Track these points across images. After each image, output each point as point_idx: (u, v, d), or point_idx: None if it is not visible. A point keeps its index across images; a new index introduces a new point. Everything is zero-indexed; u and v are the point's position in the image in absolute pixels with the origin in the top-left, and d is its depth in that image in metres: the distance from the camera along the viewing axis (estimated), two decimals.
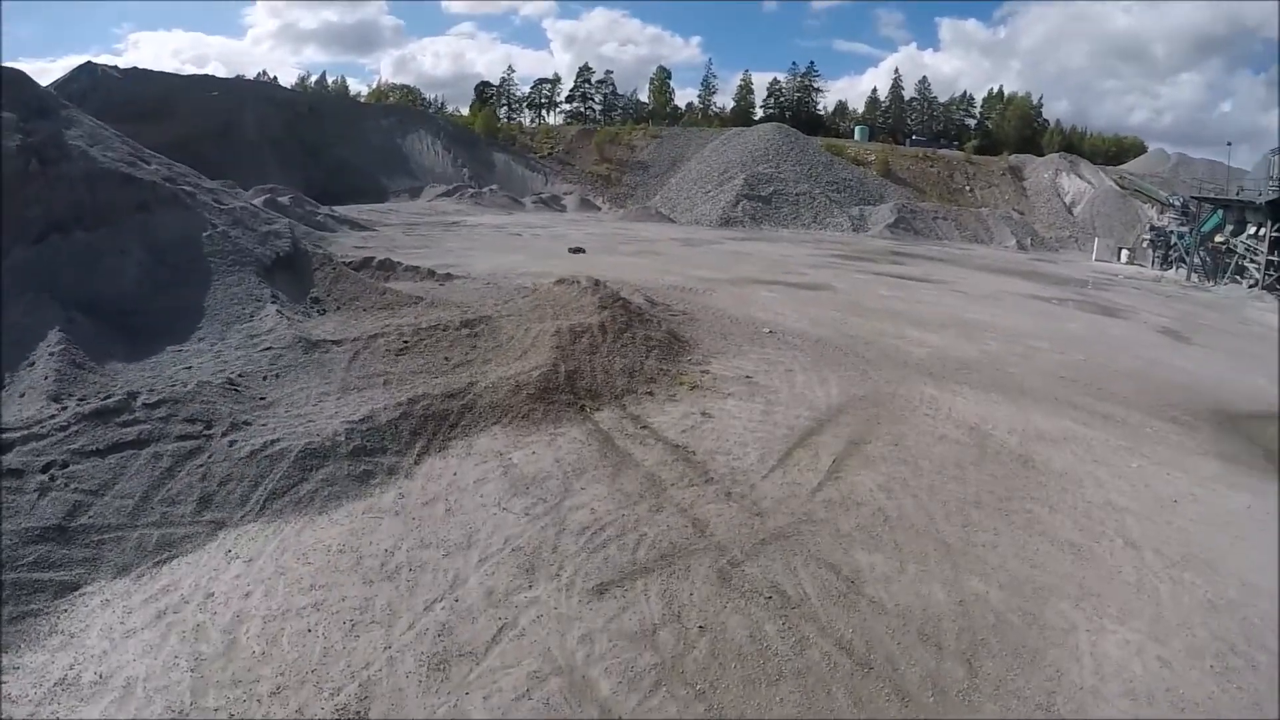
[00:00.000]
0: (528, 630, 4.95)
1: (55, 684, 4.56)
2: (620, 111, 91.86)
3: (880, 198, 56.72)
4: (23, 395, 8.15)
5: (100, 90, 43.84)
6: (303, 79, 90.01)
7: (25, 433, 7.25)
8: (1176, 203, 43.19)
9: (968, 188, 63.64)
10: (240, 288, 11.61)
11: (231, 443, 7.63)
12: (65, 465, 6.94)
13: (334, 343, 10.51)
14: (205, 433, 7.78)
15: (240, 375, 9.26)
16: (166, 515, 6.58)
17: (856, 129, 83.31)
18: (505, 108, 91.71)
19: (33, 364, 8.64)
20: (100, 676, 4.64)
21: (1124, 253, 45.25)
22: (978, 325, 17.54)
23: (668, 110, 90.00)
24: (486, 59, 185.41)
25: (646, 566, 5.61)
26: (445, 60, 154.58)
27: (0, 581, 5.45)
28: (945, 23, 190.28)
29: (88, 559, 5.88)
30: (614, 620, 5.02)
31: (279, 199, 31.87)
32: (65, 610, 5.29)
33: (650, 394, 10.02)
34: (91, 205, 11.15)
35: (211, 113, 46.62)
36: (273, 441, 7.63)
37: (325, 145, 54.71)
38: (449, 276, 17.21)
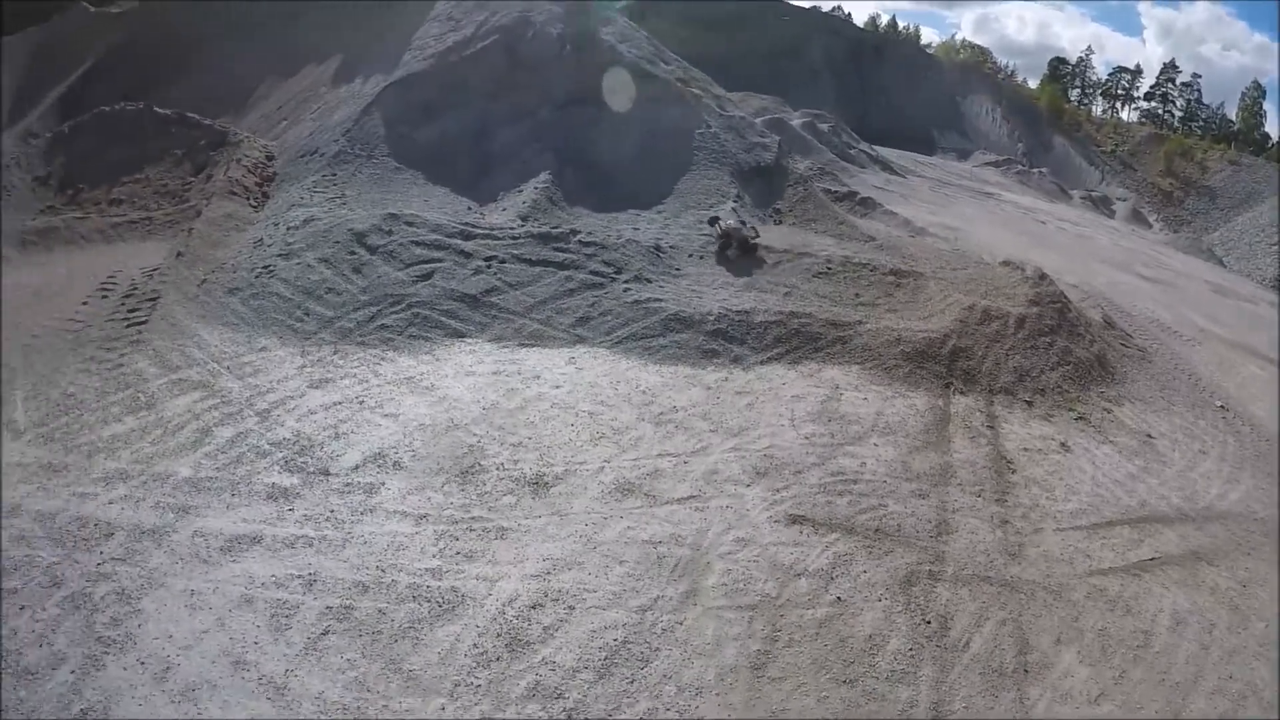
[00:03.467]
0: (703, 509, 5.38)
1: (405, 377, 6.82)
2: (1202, 123, 74.13)
3: None
4: (504, 210, 10.99)
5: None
6: (873, 19, 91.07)
7: (488, 232, 9.95)
8: None
9: None
10: (712, 181, 13.22)
11: (626, 289, 9.27)
12: (503, 261, 9.39)
13: (765, 248, 11.42)
14: (614, 275, 9.55)
15: (671, 246, 10.80)
16: (550, 319, 8.55)
17: None
18: (1079, 90, 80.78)
19: (522, 191, 11.43)
20: (432, 385, 6.78)
21: None
22: None
23: (1255, 135, 69.93)
24: (1072, 34, 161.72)
25: (856, 529, 5.37)
26: (1030, 28, 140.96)
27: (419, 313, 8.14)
28: None
29: (480, 323, 8.17)
30: (779, 549, 5.05)
31: (819, 124, 32.90)
32: (445, 345, 7.61)
33: (1029, 403, 8.83)
34: (610, 89, 13.84)
35: (781, 35, 50.82)
36: (657, 299, 9.03)
37: (883, 87, 55.31)
38: (923, 232, 16.68)
